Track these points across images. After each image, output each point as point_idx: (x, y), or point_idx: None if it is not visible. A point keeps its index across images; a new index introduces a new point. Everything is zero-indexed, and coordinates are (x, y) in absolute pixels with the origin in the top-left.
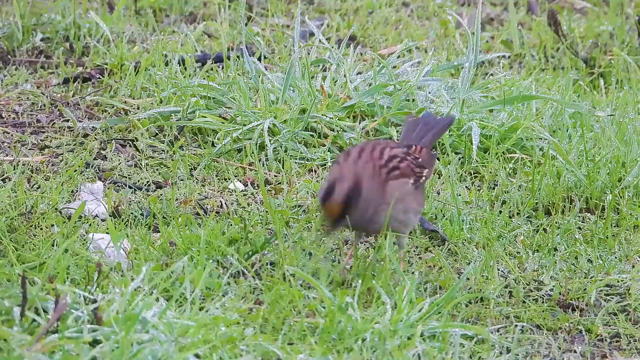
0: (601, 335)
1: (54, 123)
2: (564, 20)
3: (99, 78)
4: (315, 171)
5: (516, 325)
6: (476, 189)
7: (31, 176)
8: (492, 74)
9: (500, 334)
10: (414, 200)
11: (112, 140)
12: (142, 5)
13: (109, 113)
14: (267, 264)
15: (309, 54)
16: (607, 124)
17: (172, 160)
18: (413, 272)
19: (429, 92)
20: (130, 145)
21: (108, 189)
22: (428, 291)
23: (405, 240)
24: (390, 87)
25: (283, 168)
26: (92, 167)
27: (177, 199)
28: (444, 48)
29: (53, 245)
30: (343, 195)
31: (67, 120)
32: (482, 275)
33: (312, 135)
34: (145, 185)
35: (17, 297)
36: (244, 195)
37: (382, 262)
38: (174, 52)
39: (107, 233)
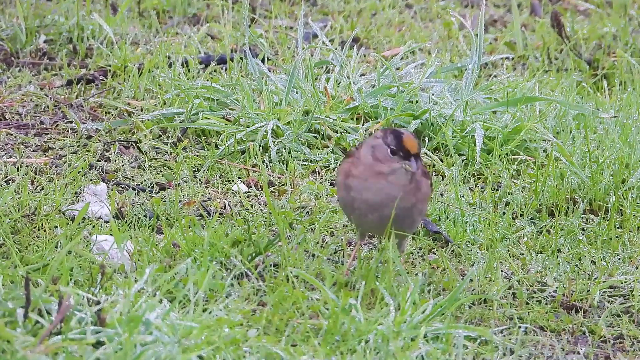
0: (604, 337)
1: (58, 125)
2: (567, 22)
3: (102, 80)
4: (318, 172)
5: (520, 327)
6: (480, 190)
7: (34, 178)
8: (495, 76)
9: (504, 336)
10: (426, 205)
11: (115, 141)
12: (145, 7)
13: (112, 115)
14: (270, 265)
15: (312, 55)
16: (610, 126)
17: (176, 161)
18: (416, 274)
19: (433, 94)
20: (133, 147)
21: (111, 190)
22: (431, 293)
23: (406, 244)
24: (393, 88)
25: (286, 169)
26: (95, 168)
27: (180, 201)
28: (447, 50)
29: (56, 247)
30: (411, 132)
31: (71, 122)
32: (486, 277)
33: (315, 137)
34: (148, 186)
35: (20, 298)
36: (248, 196)
37: (385, 264)
38: (177, 54)
39: (110, 235)
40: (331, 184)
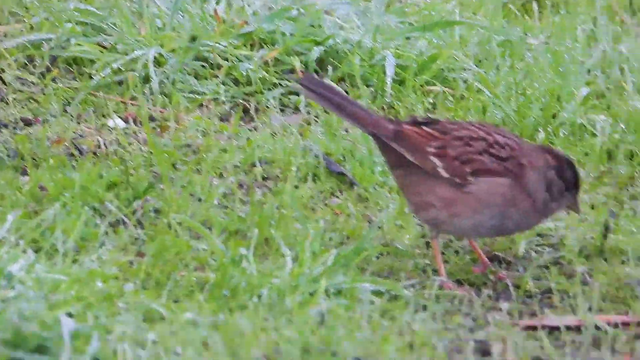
0: (530, 291)
1: None
2: None
3: None
4: (206, 106)
5: (434, 280)
6: None
7: None
8: None
9: (416, 290)
10: None
11: None
12: None
13: None
14: (150, 211)
15: None
16: (540, 53)
17: (44, 94)
18: (317, 220)
19: (338, 17)
20: None
21: None
22: (334, 242)
23: None
24: (293, 11)
25: (170, 103)
26: None
27: (48, 138)
28: None
29: None
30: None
31: None
32: (396, 224)
33: (203, 66)
34: (12, 122)
35: None
36: (125, 133)
37: (282, 209)
38: None
39: None
40: (221, 120)
